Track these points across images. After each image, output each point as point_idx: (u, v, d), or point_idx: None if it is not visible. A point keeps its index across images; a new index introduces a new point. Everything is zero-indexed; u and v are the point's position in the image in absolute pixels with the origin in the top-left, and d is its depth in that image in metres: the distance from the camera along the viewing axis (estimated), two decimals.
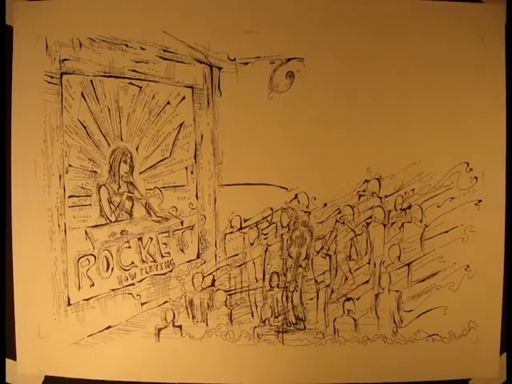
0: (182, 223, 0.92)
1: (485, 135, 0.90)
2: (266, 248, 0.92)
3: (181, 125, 0.90)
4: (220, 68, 0.89)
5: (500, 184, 0.90)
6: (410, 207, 0.91)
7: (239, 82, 0.89)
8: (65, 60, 0.89)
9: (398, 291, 0.92)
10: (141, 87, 0.89)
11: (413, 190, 0.90)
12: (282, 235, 0.92)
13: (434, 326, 0.92)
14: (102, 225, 0.91)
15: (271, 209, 0.90)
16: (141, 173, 0.91)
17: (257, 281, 0.92)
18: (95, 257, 0.91)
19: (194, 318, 0.92)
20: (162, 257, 0.92)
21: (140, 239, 0.92)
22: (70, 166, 0.90)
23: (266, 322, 0.92)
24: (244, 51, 0.88)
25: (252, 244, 0.91)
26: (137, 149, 0.91)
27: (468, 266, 0.91)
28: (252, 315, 0.92)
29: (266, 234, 0.91)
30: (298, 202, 0.90)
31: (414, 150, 0.90)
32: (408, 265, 0.91)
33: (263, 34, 0.88)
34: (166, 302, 0.92)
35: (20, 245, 0.90)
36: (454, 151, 0.90)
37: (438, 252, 0.91)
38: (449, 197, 0.90)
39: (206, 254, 0.92)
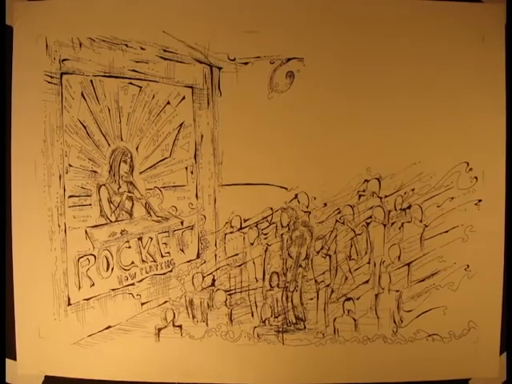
0: (182, 223, 0.92)
1: (485, 135, 0.90)
2: (266, 248, 0.92)
3: (181, 125, 0.90)
4: (220, 68, 0.89)
5: (500, 184, 0.90)
6: (409, 207, 0.91)
7: (239, 82, 0.89)
8: (65, 60, 0.89)
9: (397, 291, 0.92)
10: (141, 87, 0.89)
11: (413, 189, 0.90)
12: (282, 235, 0.92)
13: (433, 326, 0.92)
14: (102, 225, 0.91)
15: (271, 209, 0.90)
16: (141, 173, 0.91)
17: (257, 281, 0.92)
18: (95, 257, 0.91)
19: (194, 317, 0.92)
20: (162, 257, 0.92)
21: (140, 239, 0.92)
22: (70, 165, 0.90)
23: (266, 321, 0.92)
24: (244, 51, 0.88)
25: (252, 244, 0.91)
26: (137, 149, 0.91)
27: (468, 266, 0.91)
28: (252, 315, 0.92)
29: (266, 234, 0.91)
30: (298, 201, 0.90)
31: (413, 149, 0.90)
32: (408, 265, 0.91)
33: (263, 33, 0.88)
34: (166, 301, 0.92)
35: (20, 245, 0.90)
36: (454, 151, 0.90)
37: (438, 252, 0.91)
38: (449, 197, 0.91)
39: (206, 254, 0.92)
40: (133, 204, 0.91)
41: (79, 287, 0.91)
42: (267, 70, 0.89)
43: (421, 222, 0.91)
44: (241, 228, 0.91)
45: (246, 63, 0.88)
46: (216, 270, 0.92)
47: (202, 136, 0.91)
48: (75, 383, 0.92)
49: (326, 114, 0.89)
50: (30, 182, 0.89)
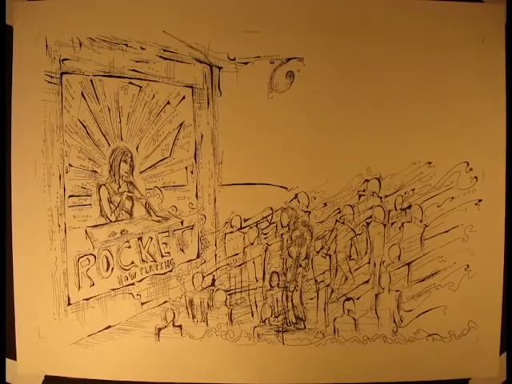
0: (181, 223, 0.92)
1: (485, 135, 0.90)
2: (266, 248, 0.92)
3: (181, 124, 0.90)
4: (220, 68, 0.89)
5: (500, 184, 0.90)
6: (409, 207, 0.91)
7: (239, 82, 0.89)
8: (65, 60, 0.89)
9: (397, 291, 0.92)
10: (141, 87, 0.89)
11: (413, 189, 0.90)
12: (281, 235, 0.92)
13: (433, 326, 0.92)
14: (102, 224, 0.91)
15: (271, 208, 0.90)
16: (141, 172, 0.91)
17: (257, 280, 0.92)
18: (95, 256, 0.91)
19: (194, 317, 0.92)
20: (162, 256, 0.92)
21: (140, 239, 0.92)
22: (70, 165, 0.90)
23: (266, 321, 0.92)
24: (244, 51, 0.88)
25: (252, 244, 0.91)
26: (137, 148, 0.91)
27: (468, 266, 0.91)
28: (252, 315, 0.92)
29: (265, 234, 0.91)
30: (298, 201, 0.90)
31: (413, 149, 0.90)
32: (408, 264, 0.91)
33: (263, 33, 0.88)
34: (166, 301, 0.92)
35: (20, 245, 0.90)
36: (454, 151, 0.90)
37: (438, 252, 0.91)
38: (449, 196, 0.91)
39: (206, 254, 0.92)
40: (133, 204, 0.91)
41: (79, 287, 0.91)
42: (267, 70, 0.89)
43: (421, 221, 0.91)
44: (241, 228, 0.91)
45: (246, 63, 0.89)
46: (216, 269, 0.92)
47: (201, 136, 0.91)
48: (75, 383, 0.92)
49: (326, 113, 0.89)
50: (30, 181, 0.89)
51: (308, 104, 0.89)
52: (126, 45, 0.88)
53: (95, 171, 0.90)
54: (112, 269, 0.91)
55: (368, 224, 0.91)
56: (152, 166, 0.91)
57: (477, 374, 0.92)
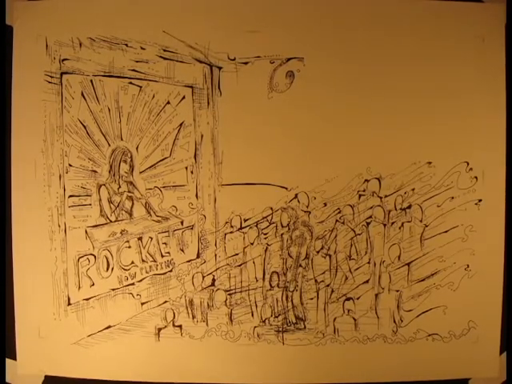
0: (181, 223, 0.92)
1: (485, 135, 0.90)
2: (266, 248, 0.92)
3: (181, 124, 0.90)
4: (220, 68, 0.89)
5: (500, 184, 0.90)
6: (409, 207, 0.91)
7: (239, 82, 0.89)
8: (65, 60, 0.89)
9: (397, 291, 0.92)
10: (141, 87, 0.89)
11: (413, 189, 0.90)
12: (282, 235, 0.92)
13: (433, 326, 0.92)
14: (102, 224, 0.91)
15: (271, 208, 0.90)
16: (141, 172, 0.91)
17: (257, 280, 0.92)
18: (95, 256, 0.91)
19: (194, 317, 0.92)
20: (162, 256, 0.92)
21: (140, 239, 0.92)
22: (70, 165, 0.90)
23: (266, 321, 0.92)
24: (244, 51, 0.88)
25: (252, 244, 0.91)
26: (137, 148, 0.91)
27: (468, 266, 0.91)
28: (252, 315, 0.92)
29: (266, 234, 0.91)
30: (298, 201, 0.90)
31: (413, 149, 0.90)
32: (408, 264, 0.91)
33: (263, 33, 0.88)
34: (166, 301, 0.92)
35: (20, 245, 0.90)
36: (454, 151, 0.90)
37: (438, 252, 0.91)
38: (449, 196, 0.91)
39: (206, 254, 0.92)
40: (133, 204, 0.91)
41: (79, 287, 0.91)
42: (267, 70, 0.89)
43: (421, 221, 0.91)
44: (241, 228, 0.91)
45: (246, 63, 0.89)
46: (216, 269, 0.92)
47: (201, 136, 0.91)
48: (75, 383, 0.92)
49: (326, 113, 0.89)
50: (30, 181, 0.89)
51: (308, 104, 0.89)
52: (126, 45, 0.88)
53: (95, 171, 0.90)
54: (112, 269, 0.91)
55: (368, 224, 0.91)
56: (152, 166, 0.91)
57: (477, 374, 0.92)
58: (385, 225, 0.91)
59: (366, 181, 0.90)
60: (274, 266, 0.92)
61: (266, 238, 0.91)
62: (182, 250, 0.93)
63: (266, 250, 0.92)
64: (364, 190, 0.90)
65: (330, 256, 0.92)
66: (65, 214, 0.90)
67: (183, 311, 0.92)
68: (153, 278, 0.92)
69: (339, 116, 0.89)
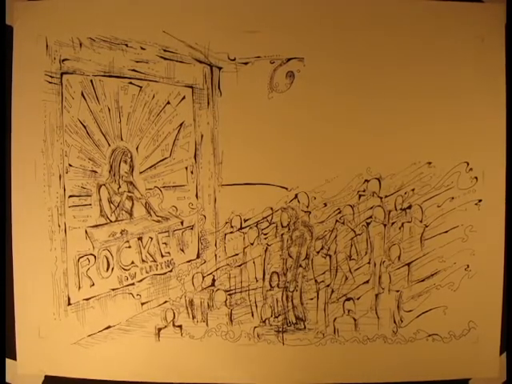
0: (182, 223, 0.92)
1: (485, 135, 0.90)
2: (266, 248, 0.92)
3: (181, 124, 0.90)
4: (220, 68, 0.89)
5: (500, 184, 0.90)
6: (410, 207, 0.91)
7: (239, 82, 0.89)
8: (65, 60, 0.89)
9: (398, 291, 0.92)
10: (141, 87, 0.89)
11: (413, 189, 0.90)
12: (282, 235, 0.92)
13: (433, 326, 0.92)
14: (102, 224, 0.91)
15: (271, 209, 0.90)
16: (141, 172, 0.91)
17: (257, 281, 0.92)
18: (95, 256, 0.91)
19: (194, 317, 0.92)
20: (162, 256, 0.92)
21: (140, 239, 0.92)
22: (70, 165, 0.90)
23: (266, 321, 0.92)
24: (244, 51, 0.88)
25: (252, 244, 0.91)
26: (137, 148, 0.91)
27: (468, 266, 0.91)
28: (252, 315, 0.92)
29: (266, 234, 0.91)
30: (298, 201, 0.90)
31: (413, 149, 0.90)
32: (408, 265, 0.91)
33: (263, 33, 0.88)
34: (166, 301, 0.92)
35: (20, 245, 0.90)
36: (454, 151, 0.90)
37: (438, 252, 0.91)
38: (449, 197, 0.91)
39: (206, 254, 0.92)
40: (133, 204, 0.91)
41: (79, 287, 0.91)
42: (267, 70, 0.89)
43: (421, 222, 0.91)
44: (241, 228, 0.91)
45: (246, 63, 0.89)
46: (216, 270, 0.92)
47: (202, 136, 0.91)
48: (75, 383, 0.92)
49: (326, 114, 0.89)
50: (30, 181, 0.89)
51: (308, 104, 0.89)
52: (126, 45, 0.88)
53: (95, 171, 0.90)
54: (112, 269, 0.91)
55: (368, 224, 0.91)
56: (152, 166, 0.91)
57: (477, 374, 0.92)
58: (385, 225, 0.91)
59: (366, 181, 0.90)
60: (274, 266, 0.92)
61: (266, 239, 0.91)
62: (182, 250, 0.93)
63: (266, 250, 0.92)
64: (364, 191, 0.90)
65: (330, 256, 0.92)
66: (65, 214, 0.90)
67: (183, 311, 0.92)
68: (153, 278, 0.92)
69: (339, 116, 0.89)
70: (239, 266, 0.92)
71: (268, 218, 0.91)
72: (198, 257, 0.92)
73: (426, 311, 0.92)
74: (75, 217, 0.90)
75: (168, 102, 0.90)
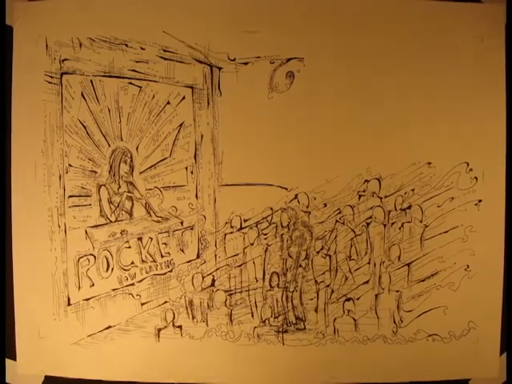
0: (181, 223, 0.92)
1: (485, 135, 0.90)
2: (266, 248, 0.92)
3: (181, 125, 0.90)
4: (220, 68, 0.89)
5: (500, 184, 0.90)
6: (410, 207, 0.91)
7: (239, 82, 0.89)
8: (65, 60, 0.89)
9: (398, 291, 0.92)
10: (141, 87, 0.89)
11: (413, 190, 0.90)
12: (281, 235, 0.92)
13: (433, 326, 0.92)
14: (102, 225, 0.91)
15: (271, 209, 0.90)
16: (141, 173, 0.91)
17: (257, 281, 0.92)
18: (95, 257, 0.91)
19: (193, 318, 0.92)
20: (162, 257, 0.92)
21: (140, 239, 0.92)
22: (70, 165, 0.90)
23: (266, 322, 0.92)
24: (244, 51, 0.88)
25: (252, 244, 0.91)
26: (137, 149, 0.91)
27: (468, 266, 0.91)
28: (252, 315, 0.92)
29: (265, 234, 0.91)
30: (298, 202, 0.90)
31: (413, 150, 0.90)
32: (408, 265, 0.91)
33: (263, 33, 0.88)
34: (166, 302, 0.92)
35: (20, 245, 0.90)
36: (454, 151, 0.90)
37: (438, 252, 0.91)
38: (449, 197, 0.91)
39: (206, 254, 0.92)
40: (133, 204, 0.91)
41: (79, 287, 0.91)
42: (267, 70, 0.89)
43: (421, 222, 0.91)
44: (241, 228, 0.91)
45: (246, 63, 0.88)
46: (216, 270, 0.92)
47: (201, 136, 0.91)
48: (75, 383, 0.92)
49: (326, 114, 0.89)
50: (30, 181, 0.89)
51: (308, 104, 0.89)
52: (126, 45, 0.88)
53: (95, 171, 0.90)
54: (112, 269, 0.91)
55: (368, 224, 0.91)
56: (152, 166, 0.91)
57: (477, 374, 0.92)
58: (385, 225, 0.91)
59: (366, 181, 0.90)
60: (273, 267, 0.92)
61: (265, 239, 0.91)
62: (182, 251, 0.93)
63: (265, 251, 0.92)
64: (364, 191, 0.90)
65: (330, 256, 0.92)
66: (65, 214, 0.90)
67: (183, 311, 0.92)
68: (153, 278, 0.92)
69: (339, 116, 0.89)
70: (239, 266, 0.92)
71: (268, 219, 0.91)
72: (197, 257, 0.92)
73: (426, 311, 0.92)
74: (75, 217, 0.90)
75: (168, 102, 0.90)
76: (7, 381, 0.92)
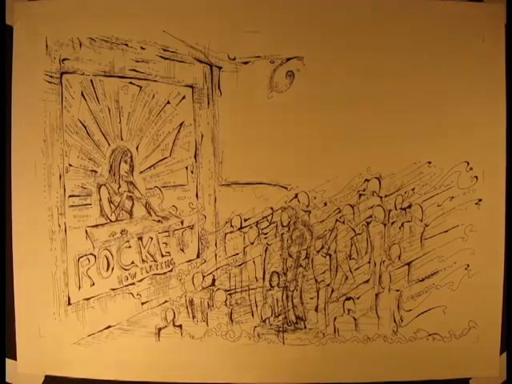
0: (182, 223, 0.92)
1: (485, 134, 0.90)
2: (266, 247, 0.92)
3: (181, 124, 0.90)
4: (220, 67, 0.89)
5: (500, 183, 0.90)
6: (410, 206, 0.91)
7: (239, 82, 0.89)
8: (65, 60, 0.89)
9: (398, 290, 0.92)
10: (141, 87, 0.89)
11: (413, 189, 0.90)
12: (282, 234, 0.92)
13: (434, 326, 0.92)
14: (102, 224, 0.91)
15: (271, 208, 0.90)
16: (141, 172, 0.91)
17: (257, 280, 0.92)
18: (95, 256, 0.91)
19: (194, 317, 0.92)
20: (162, 256, 0.92)
21: (140, 239, 0.92)
22: (70, 165, 0.90)
23: (267, 321, 0.92)
24: (244, 51, 0.88)
25: (252, 243, 0.91)
26: (137, 148, 0.91)
27: (468, 266, 0.91)
28: (252, 315, 0.92)
29: (266, 234, 0.91)
30: (298, 201, 0.90)
31: (414, 149, 0.90)
32: (408, 264, 0.91)
33: (263, 33, 0.88)
34: (166, 301, 0.92)
35: (20, 244, 0.90)
36: (455, 150, 0.90)
37: (438, 251, 0.91)
38: (449, 196, 0.91)
39: (206, 254, 0.92)
40: (133, 204, 0.91)
41: (79, 287, 0.91)
42: (267, 70, 0.89)
43: (421, 221, 0.91)
44: (241, 227, 0.91)
45: (246, 63, 0.89)
46: (216, 269, 0.92)
47: (202, 135, 0.91)
48: (75, 383, 0.92)
49: (326, 113, 0.89)
50: (30, 181, 0.89)
51: (308, 104, 0.89)
52: (126, 45, 0.88)
53: (95, 171, 0.90)
54: (112, 269, 0.91)
55: (368, 223, 0.91)
56: (152, 165, 0.91)
57: (477, 373, 0.92)
58: (385, 224, 0.91)
59: (366, 180, 0.90)
60: (274, 266, 0.92)
61: (266, 238, 0.91)
62: (182, 250, 0.93)
63: (266, 250, 0.92)
64: (364, 190, 0.90)
65: (330, 256, 0.92)
66: (65, 213, 0.90)
67: (183, 311, 0.92)
68: (153, 277, 0.92)
69: (339, 116, 0.89)
70: (239, 265, 0.92)
71: (268, 218, 0.91)
72: (198, 256, 0.92)
73: (426, 311, 0.92)
74: (75, 217, 0.90)
75: (168, 102, 0.90)
76: (7, 380, 0.92)
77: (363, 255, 0.92)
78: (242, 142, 0.89)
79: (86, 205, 0.90)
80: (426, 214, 0.91)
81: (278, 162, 0.89)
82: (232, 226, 0.91)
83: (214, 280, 0.92)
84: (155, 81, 0.89)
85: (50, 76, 0.89)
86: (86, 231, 0.90)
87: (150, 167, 0.91)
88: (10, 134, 0.90)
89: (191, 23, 0.88)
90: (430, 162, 0.90)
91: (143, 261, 0.92)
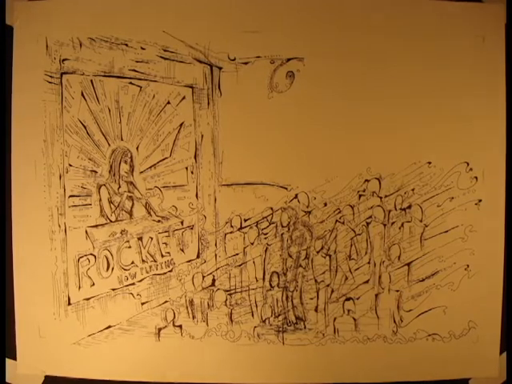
0: (182, 223, 0.92)
1: (485, 135, 0.90)
2: (266, 248, 0.92)
3: (181, 124, 0.90)
4: (220, 68, 0.89)
5: (500, 184, 0.90)
6: (409, 207, 0.91)
7: (239, 82, 0.89)
8: (65, 60, 0.89)
9: (398, 291, 0.92)
10: (141, 87, 0.89)
11: (413, 189, 0.90)
12: (282, 235, 0.92)
13: (433, 326, 0.92)
14: (102, 224, 0.91)
15: (271, 208, 0.90)
16: (141, 172, 0.91)
17: (257, 280, 0.92)
18: (95, 256, 0.91)
19: (194, 317, 0.92)
20: (162, 256, 0.92)
21: (140, 239, 0.92)
22: (70, 165, 0.90)
23: (266, 321, 0.92)
24: (244, 51, 0.88)
25: (252, 244, 0.91)
26: (137, 148, 0.91)
27: (468, 266, 0.91)
28: (252, 315, 0.92)
29: (266, 234, 0.91)
30: (298, 201, 0.90)
31: (414, 149, 0.90)
32: (408, 264, 0.91)
33: (263, 34, 0.88)
34: (166, 301, 0.92)
35: (20, 244, 0.90)
36: (454, 151, 0.90)
37: (438, 252, 0.91)
38: (449, 197, 0.91)
39: (206, 254, 0.92)
40: (133, 204, 0.91)
41: (79, 287, 0.91)
42: (267, 70, 0.89)
43: (421, 221, 0.91)
44: (241, 228, 0.91)
45: (246, 63, 0.89)
46: (216, 269, 0.92)
47: (202, 136, 0.91)
48: (75, 383, 0.92)
49: (326, 113, 0.89)
50: (30, 181, 0.89)
51: (308, 104, 0.89)
52: (126, 45, 0.88)
53: (95, 171, 0.90)
54: (112, 269, 0.91)
55: (368, 224, 0.91)
56: (152, 166, 0.91)
57: (477, 373, 0.92)
58: (385, 225, 0.91)
59: (366, 181, 0.90)
60: (274, 266, 0.92)
61: (266, 238, 0.91)
62: (182, 250, 0.93)
63: (266, 250, 0.92)
64: (364, 190, 0.90)
65: (330, 256, 0.92)
66: (65, 213, 0.90)
67: (183, 311, 0.92)
68: (153, 277, 0.92)
69: (339, 116, 0.89)
70: (239, 265, 0.92)
71: (268, 218, 0.91)
72: (198, 257, 0.92)
73: (426, 311, 0.92)
74: (75, 217, 0.90)
75: (168, 102, 0.90)
76: (7, 380, 0.92)
77: (363, 255, 0.92)
78: (242, 142, 0.89)
79: (86, 205, 0.90)
80: (426, 215, 0.91)
81: (277, 163, 0.89)
82: (232, 226, 0.91)
83: (213, 280, 0.92)
84: (155, 81, 0.89)
85: (50, 76, 0.89)
86: (86, 231, 0.90)
87: (150, 167, 0.91)
88: (10, 134, 0.90)
89: (191, 23, 0.88)
90: (429, 163, 0.90)
91: (143, 261, 0.92)
